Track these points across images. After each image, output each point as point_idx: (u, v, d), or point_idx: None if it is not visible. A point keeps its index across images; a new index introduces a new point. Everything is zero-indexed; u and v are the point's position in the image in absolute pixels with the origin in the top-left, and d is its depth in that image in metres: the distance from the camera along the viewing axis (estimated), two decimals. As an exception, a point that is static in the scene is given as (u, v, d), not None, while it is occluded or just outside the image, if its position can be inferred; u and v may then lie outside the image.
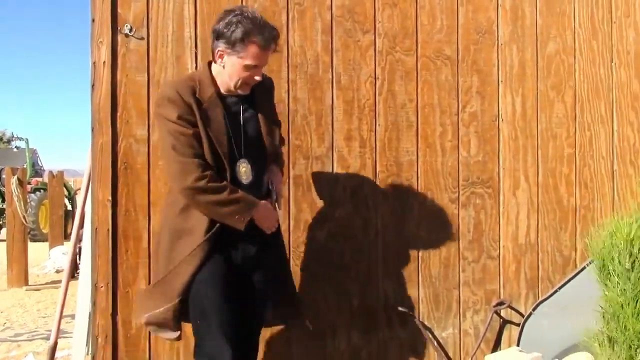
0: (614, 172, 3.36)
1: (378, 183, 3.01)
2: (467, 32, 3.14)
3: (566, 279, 3.02)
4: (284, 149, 2.86)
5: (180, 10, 2.81)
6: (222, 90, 2.34)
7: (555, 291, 3.01)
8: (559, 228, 3.27)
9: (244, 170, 2.33)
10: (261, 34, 2.23)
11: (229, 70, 2.29)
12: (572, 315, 2.78)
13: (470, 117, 3.14)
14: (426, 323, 3.04)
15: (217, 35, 2.27)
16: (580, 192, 3.31)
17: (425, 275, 3.06)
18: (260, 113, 2.41)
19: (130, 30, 2.75)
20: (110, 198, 2.70)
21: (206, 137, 2.24)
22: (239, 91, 2.33)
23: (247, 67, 2.27)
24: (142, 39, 2.77)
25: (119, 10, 2.74)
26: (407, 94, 3.05)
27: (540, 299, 3.08)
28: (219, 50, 2.28)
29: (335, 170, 2.97)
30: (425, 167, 3.07)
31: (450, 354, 3.07)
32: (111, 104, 2.72)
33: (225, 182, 2.25)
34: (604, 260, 1.47)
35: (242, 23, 2.22)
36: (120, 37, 2.74)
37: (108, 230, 2.71)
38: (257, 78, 2.32)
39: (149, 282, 2.74)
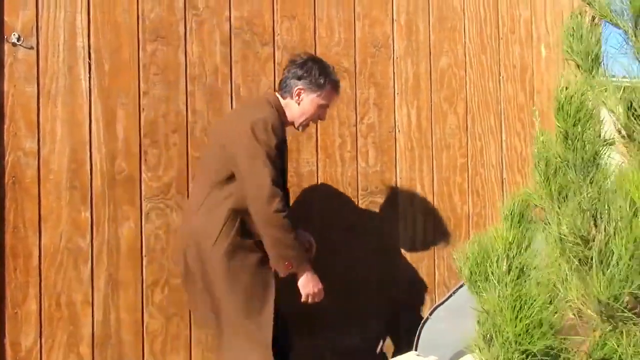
0: (504, 180, 3.54)
1: (279, 194, 3.03)
2: (364, 46, 3.22)
3: (459, 284, 3.14)
4: (182, 162, 2.85)
5: (72, 20, 2.73)
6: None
7: (450, 296, 3.13)
8: (454, 235, 3.41)
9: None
10: (337, 80, 2.70)
11: (305, 107, 2.64)
12: (466, 319, 2.90)
13: (368, 128, 3.22)
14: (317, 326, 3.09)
15: (299, 77, 2.62)
16: (473, 200, 3.46)
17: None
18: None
19: (19, 39, 2.65)
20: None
21: (280, 167, 2.49)
22: (300, 128, 2.72)
23: (320, 107, 2.65)
24: (32, 48, 2.67)
25: (6, 19, 2.63)
26: (306, 106, 3.09)
27: (436, 303, 3.19)
28: (298, 88, 2.61)
29: (235, 182, 2.96)
30: (325, 177, 3.13)
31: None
32: (-3, 116, 2.61)
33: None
34: (478, 265, 1.55)
35: (323, 69, 2.64)
36: (7, 46, 2.63)
37: (-6, 248, 2.59)
38: (322, 119, 2.74)
39: (40, 302, 2.63)
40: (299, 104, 2.63)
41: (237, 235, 2.44)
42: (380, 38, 3.26)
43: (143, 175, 2.81)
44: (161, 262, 2.81)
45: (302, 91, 2.62)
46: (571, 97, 1.85)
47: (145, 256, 2.79)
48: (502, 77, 3.53)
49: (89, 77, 2.75)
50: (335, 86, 2.68)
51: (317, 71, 2.62)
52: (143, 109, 2.82)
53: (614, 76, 1.94)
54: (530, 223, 1.89)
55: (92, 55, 2.76)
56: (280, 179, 2.44)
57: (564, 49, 1.96)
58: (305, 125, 2.71)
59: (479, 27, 3.48)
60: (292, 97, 2.63)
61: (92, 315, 2.71)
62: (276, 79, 3.03)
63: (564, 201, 1.85)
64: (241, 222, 2.45)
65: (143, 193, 2.80)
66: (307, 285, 2.51)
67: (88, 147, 2.73)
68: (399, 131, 3.29)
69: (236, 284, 2.42)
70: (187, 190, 2.85)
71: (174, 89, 2.87)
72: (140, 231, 2.79)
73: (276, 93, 2.71)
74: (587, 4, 1.90)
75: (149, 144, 2.82)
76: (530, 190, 2.06)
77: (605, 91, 1.87)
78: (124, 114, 2.79)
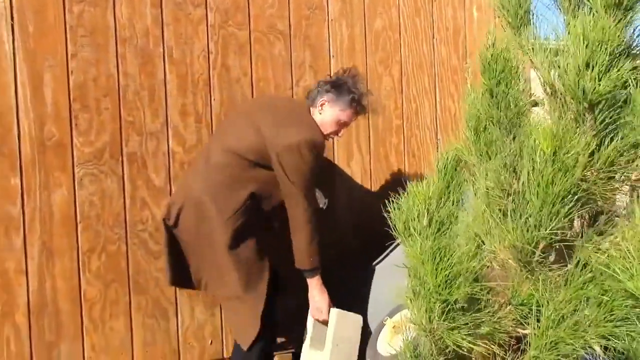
0: (438, 141, 3.61)
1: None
2: (298, 7, 3.20)
3: (396, 243, 3.22)
4: (115, 126, 2.80)
5: (-8, -21, 2.61)
6: None
7: (387, 254, 3.21)
8: (392, 195, 3.47)
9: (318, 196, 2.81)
10: (363, 104, 2.75)
11: (325, 119, 2.72)
12: (403, 276, 2.98)
13: (304, 91, 3.21)
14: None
15: (327, 90, 2.72)
16: (409, 161, 3.53)
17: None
18: None
19: None
20: None
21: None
22: (328, 140, 2.86)
23: (340, 124, 2.76)
24: (-51, 9, 2.55)
25: None
26: (241, 69, 3.07)
27: (375, 261, 3.27)
28: (323, 100, 2.71)
29: (171, 146, 2.93)
30: (262, 140, 3.12)
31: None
32: None
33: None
34: (405, 221, 1.60)
35: (355, 87, 2.74)
36: None
37: None
38: (339, 136, 2.82)
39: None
40: (321, 114, 2.73)
41: (251, 217, 2.57)
42: (315, 0, 3.25)
43: (74, 140, 2.74)
44: (97, 228, 2.77)
45: (326, 103, 2.72)
46: (497, 56, 1.91)
47: (80, 223, 2.75)
48: (436, 39, 3.58)
49: (12, 40, 2.65)
50: (359, 108, 2.76)
51: (347, 88, 2.72)
52: (72, 72, 2.74)
53: (546, 39, 1.99)
54: (461, 177, 1.96)
55: (15, 17, 2.65)
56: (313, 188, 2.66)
57: (495, 4, 2.00)
58: (331, 135, 2.81)
59: (413, -11, 3.51)
60: (314, 107, 2.75)
61: (27, 284, 2.66)
62: (209, 42, 2.99)
63: (491, 157, 1.92)
64: (257, 207, 2.60)
65: (75, 159, 2.74)
66: (316, 294, 2.72)
67: (15, 111, 2.65)
68: (335, 93, 3.30)
69: (240, 259, 2.55)
70: (122, 156, 2.81)
71: (104, 51, 2.80)
72: (73, 198, 2.74)
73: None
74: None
75: (79, 108, 2.76)
76: (461, 146, 2.14)
77: (533, 50, 1.93)
78: (52, 77, 2.71)
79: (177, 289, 2.91)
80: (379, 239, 3.41)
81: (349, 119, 2.78)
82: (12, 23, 2.64)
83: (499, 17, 2.04)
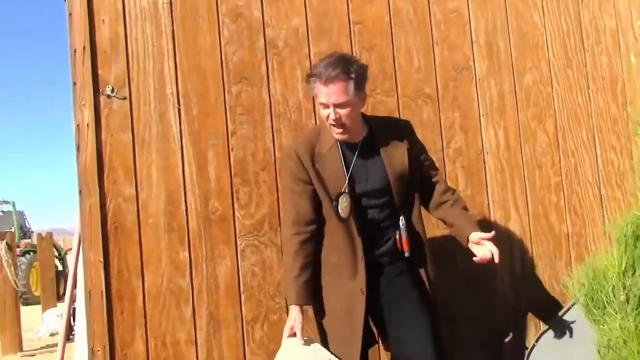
0: (602, 197, 3.38)
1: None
2: (445, 70, 3.19)
3: (565, 309, 3.00)
4: (272, 198, 2.88)
5: (160, 68, 2.84)
6: None
7: (554, 322, 2.99)
8: (554, 256, 3.28)
9: (344, 205, 2.35)
10: (324, 68, 2.27)
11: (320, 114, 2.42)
12: (577, 346, 2.76)
13: (455, 152, 3.17)
14: None
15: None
16: (571, 219, 3.32)
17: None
18: (383, 155, 2.41)
19: (112, 91, 2.78)
20: (102, 259, 2.68)
21: (320, 184, 2.38)
22: (335, 136, 2.37)
23: (321, 105, 2.34)
24: (125, 98, 2.79)
25: (100, 72, 2.78)
26: (391, 134, 3.08)
27: (542, 330, 3.06)
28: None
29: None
30: (415, 205, 3.08)
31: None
32: (97, 165, 2.73)
33: (308, 253, 2.39)
34: (590, 294, 1.47)
35: (318, 63, 2.37)
36: (102, 99, 2.77)
37: (102, 292, 2.68)
38: (331, 120, 2.30)
39: (147, 343, 2.70)
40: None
41: None
42: (461, 61, 3.22)
43: (236, 213, 2.86)
44: (259, 298, 2.83)
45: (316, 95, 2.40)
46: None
47: (243, 293, 2.83)
48: (591, 90, 3.41)
49: (179, 122, 2.85)
50: (314, 76, 2.31)
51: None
52: (232, 148, 2.89)
53: None
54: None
55: (181, 101, 2.86)
56: (295, 204, 2.41)
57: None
58: (332, 128, 2.35)
59: (562, 41, 3.38)
60: None
61: (196, 354, 2.75)
62: (359, 110, 3.04)
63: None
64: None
65: (237, 231, 2.85)
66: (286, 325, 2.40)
67: (182, 189, 2.82)
68: (487, 153, 3.21)
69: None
70: (279, 227, 2.87)
71: (260, 127, 2.93)
72: (237, 269, 2.83)
73: None
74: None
75: (239, 182, 2.88)
76: None
77: None
78: (214, 155, 2.86)
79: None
80: (542, 306, 3.22)
81: (319, 95, 2.32)
82: (179, 107, 2.85)
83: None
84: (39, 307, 9.72)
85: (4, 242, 7.70)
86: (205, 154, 2.86)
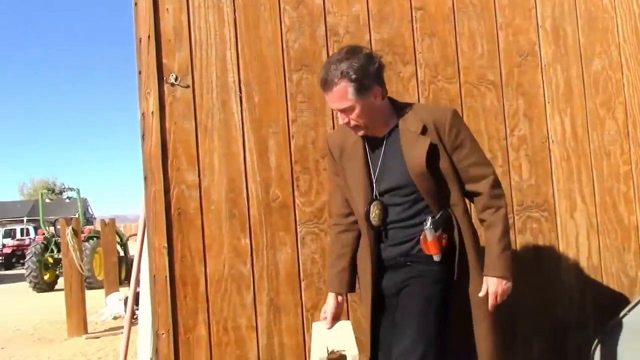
0: (675, 187, 3.24)
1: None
2: (509, 56, 3.10)
3: (630, 306, 2.90)
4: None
5: (222, 56, 2.87)
6: None
7: (624, 315, 2.90)
8: (622, 248, 3.16)
9: (376, 212, 2.24)
10: (322, 71, 2.21)
11: None
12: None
13: (519, 140, 3.09)
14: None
15: None
16: (641, 209, 3.20)
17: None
18: (404, 149, 2.22)
19: (176, 79, 2.82)
20: (166, 245, 2.74)
21: (344, 181, 2.35)
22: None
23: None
24: (188, 87, 2.84)
25: (164, 61, 2.82)
26: (453, 122, 3.03)
27: (608, 325, 2.96)
28: None
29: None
30: (477, 194, 3.02)
31: None
32: (162, 152, 2.79)
33: (344, 244, 2.38)
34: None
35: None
36: (166, 87, 2.82)
37: (166, 277, 2.75)
38: (342, 122, 2.24)
39: (209, 328, 2.76)
40: None
41: None
42: (526, 46, 3.13)
43: (296, 201, 2.87)
44: (318, 286, 2.84)
45: None
46: None
47: (303, 280, 2.84)
48: (665, 75, 3.26)
49: (241, 110, 2.87)
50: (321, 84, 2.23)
51: None
52: (292, 136, 2.90)
53: None
54: None
55: (243, 89, 2.88)
56: (340, 197, 2.40)
57: None
58: (355, 132, 2.29)
59: (634, 25, 3.24)
60: None
61: (257, 340, 2.79)
62: (420, 97, 3.00)
63: None
64: None
65: (297, 219, 2.86)
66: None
67: (244, 177, 2.84)
68: (552, 141, 3.12)
69: None
70: (340, 214, 2.87)
71: (321, 114, 2.92)
72: (297, 256, 2.85)
73: None
74: None
75: (300, 170, 2.89)
76: None
77: None
78: (275, 142, 2.88)
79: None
80: (608, 300, 3.12)
81: (329, 103, 2.26)
82: (240, 95, 2.87)
83: None
84: (101, 292, 10.05)
85: (70, 227, 7.97)
86: (266, 141, 2.88)
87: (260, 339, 2.79)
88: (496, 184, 2.28)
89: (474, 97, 3.06)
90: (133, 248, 12.15)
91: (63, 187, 17.26)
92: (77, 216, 13.06)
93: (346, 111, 2.18)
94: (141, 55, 2.81)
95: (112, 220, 10.76)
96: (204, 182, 2.82)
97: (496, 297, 2.21)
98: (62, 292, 8.00)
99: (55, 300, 10.46)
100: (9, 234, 26.96)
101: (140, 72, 2.82)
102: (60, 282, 11.90)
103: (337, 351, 2.28)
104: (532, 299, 3.00)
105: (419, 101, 2.98)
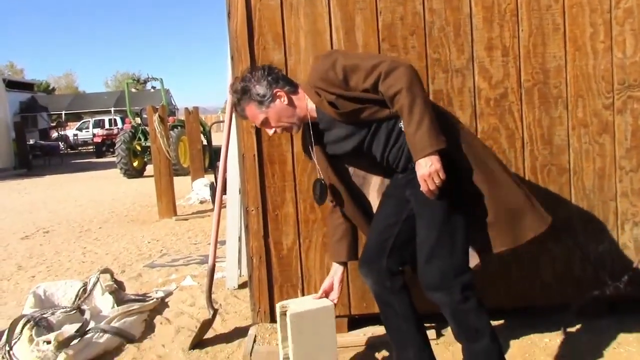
0: None
1: (523, 92, 2.85)
2: None
3: None
4: (421, 64, 2.77)
5: None
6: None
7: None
8: None
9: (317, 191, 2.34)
10: (234, 103, 2.34)
11: None
12: None
13: (624, 13, 2.85)
14: (580, 237, 2.90)
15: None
16: None
17: (578, 187, 2.90)
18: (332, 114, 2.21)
19: (261, -46, 2.73)
20: (253, 124, 2.75)
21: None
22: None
23: None
24: (272, -38, 2.74)
25: (248, -64, 2.72)
26: (551, -6, 2.82)
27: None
28: None
29: (476, 82, 2.84)
30: (575, 72, 2.85)
31: (607, 269, 2.92)
32: (247, 30, 2.75)
33: (340, 214, 2.41)
34: None
35: None
36: (251, -38, 2.73)
37: (254, 155, 2.79)
38: (270, 133, 2.33)
39: (296, 205, 2.81)
40: None
41: None
42: None
43: (383, 80, 2.79)
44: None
45: None
46: None
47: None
48: None
49: (327, -14, 2.77)
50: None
51: None
52: (380, 12, 2.78)
53: None
54: None
55: (328, -36, 2.76)
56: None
57: None
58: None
59: None
60: None
61: (344, 217, 2.82)
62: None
63: None
64: None
65: (385, 98, 2.80)
66: None
67: (330, 55, 2.77)
68: (662, 14, 2.86)
69: None
70: (429, 93, 2.79)
71: (407, -11, 2.78)
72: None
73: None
74: None
75: (387, 48, 2.79)
76: None
77: None
78: (362, 19, 2.78)
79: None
80: None
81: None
82: (326, -31, 2.75)
83: None
84: (187, 178, 10.45)
85: (157, 114, 8.19)
86: (353, 18, 2.78)
87: (347, 217, 2.83)
88: (386, 75, 2.08)
89: (577, -34, 2.81)
90: (215, 138, 12.52)
91: (147, 77, 17.68)
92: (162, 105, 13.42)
93: (265, 124, 2.29)
94: None
95: (196, 109, 11.01)
96: (290, 61, 2.78)
97: (425, 180, 2.04)
98: (151, 179, 8.36)
99: (145, 186, 11.00)
100: (98, 124, 28.25)
101: (224, -52, 2.74)
102: (149, 169, 12.46)
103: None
104: (628, 181, 2.89)
105: (516, -28, 2.77)
